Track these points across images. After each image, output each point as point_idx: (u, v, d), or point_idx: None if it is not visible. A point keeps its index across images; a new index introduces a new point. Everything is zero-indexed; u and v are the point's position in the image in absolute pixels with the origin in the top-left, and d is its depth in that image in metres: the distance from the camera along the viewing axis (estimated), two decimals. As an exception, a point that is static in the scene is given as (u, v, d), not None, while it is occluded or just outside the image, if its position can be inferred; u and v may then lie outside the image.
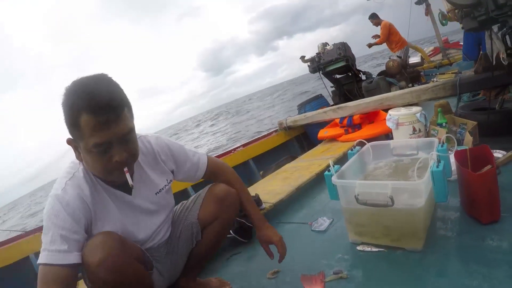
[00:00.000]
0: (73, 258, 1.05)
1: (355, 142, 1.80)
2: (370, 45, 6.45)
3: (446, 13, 2.40)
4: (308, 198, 2.32)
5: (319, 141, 3.77)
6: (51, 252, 1.04)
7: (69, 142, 1.09)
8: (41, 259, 1.05)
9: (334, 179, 1.45)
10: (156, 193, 1.30)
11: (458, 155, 1.54)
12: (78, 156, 1.10)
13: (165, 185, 1.33)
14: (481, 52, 2.83)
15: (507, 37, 2.30)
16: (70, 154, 1.15)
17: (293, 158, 3.56)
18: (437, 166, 1.30)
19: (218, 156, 3.76)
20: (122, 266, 1.11)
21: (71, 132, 1.04)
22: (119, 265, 1.10)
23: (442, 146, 1.47)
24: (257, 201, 2.08)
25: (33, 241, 2.67)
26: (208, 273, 1.69)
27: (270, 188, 2.49)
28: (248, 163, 3.87)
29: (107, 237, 1.11)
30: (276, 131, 4.35)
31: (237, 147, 3.98)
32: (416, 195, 1.30)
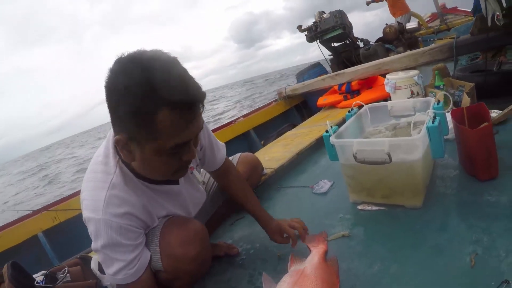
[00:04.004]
0: (144, 263, 1.05)
1: (353, 104, 1.82)
2: (368, 2, 6.36)
3: None
4: (309, 163, 2.35)
5: (319, 109, 3.80)
6: (122, 279, 1.02)
7: (120, 141, 0.88)
8: (115, 282, 1.04)
9: (332, 139, 1.47)
10: (191, 173, 1.25)
11: (455, 113, 1.56)
12: (128, 157, 0.92)
13: (197, 165, 1.31)
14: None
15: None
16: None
17: (294, 126, 3.60)
18: (433, 122, 1.32)
19: (219, 128, 3.79)
20: (209, 259, 1.23)
21: (130, 128, 0.85)
22: (208, 258, 1.21)
23: (438, 104, 1.50)
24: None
25: (41, 220, 2.75)
26: (212, 238, 1.70)
27: (271, 155, 2.53)
28: (249, 133, 3.91)
29: (200, 230, 1.15)
30: (275, 100, 4.37)
31: (237, 118, 4.01)
32: (413, 150, 1.32)
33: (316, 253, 1.20)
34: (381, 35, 4.70)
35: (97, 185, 1.00)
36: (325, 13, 4.94)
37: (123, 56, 0.84)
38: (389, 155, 1.29)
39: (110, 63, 0.85)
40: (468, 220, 1.20)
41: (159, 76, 0.79)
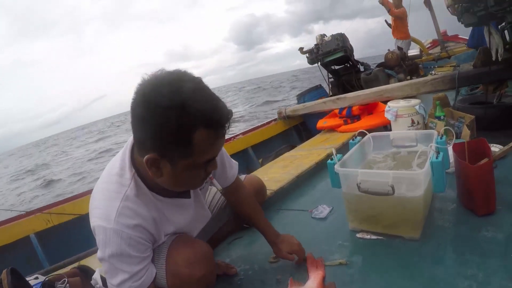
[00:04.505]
0: (150, 277, 1.05)
1: (356, 133, 1.83)
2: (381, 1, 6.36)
3: (447, 8, 2.41)
4: (308, 186, 2.35)
5: (318, 131, 3.80)
6: None
7: (151, 160, 0.90)
8: None
9: (337, 167, 1.47)
10: (200, 189, 1.26)
11: (456, 147, 1.57)
12: (156, 173, 0.94)
13: (206, 182, 1.28)
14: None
15: (506, 32, 2.34)
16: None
17: (292, 147, 3.60)
18: (436, 157, 1.33)
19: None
20: (214, 280, 1.22)
21: (166, 148, 0.88)
22: (213, 280, 1.20)
23: (441, 138, 1.51)
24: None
25: (34, 221, 2.75)
26: None
27: (270, 176, 2.53)
28: (247, 151, 3.93)
29: (207, 251, 1.16)
30: (275, 120, 4.40)
31: (236, 135, 4.03)
32: (416, 185, 1.33)
33: (314, 279, 1.22)
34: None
35: (111, 196, 1.01)
36: (326, 36, 5.01)
37: (149, 78, 0.88)
38: (392, 187, 1.30)
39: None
40: (465, 255, 1.22)
41: (192, 97, 0.85)
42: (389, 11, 6.32)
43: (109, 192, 1.02)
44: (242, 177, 1.59)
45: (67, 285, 1.24)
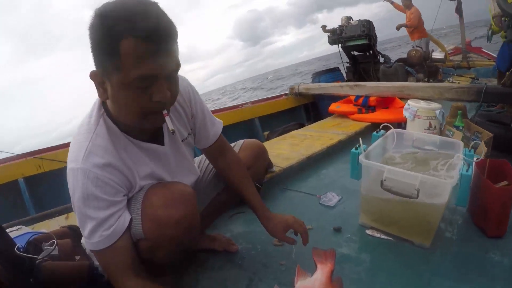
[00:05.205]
0: (122, 225, 0.96)
1: (381, 125, 1.77)
2: (399, 27, 6.38)
3: (491, 18, 2.35)
4: (317, 170, 2.31)
5: (327, 114, 3.74)
6: (97, 243, 0.94)
7: (93, 76, 0.89)
8: (90, 247, 0.96)
9: (361, 158, 1.43)
10: (182, 140, 1.18)
11: (479, 164, 1.53)
12: (103, 94, 0.91)
13: (188, 134, 1.21)
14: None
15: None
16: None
17: (301, 125, 3.56)
18: (467, 170, 1.31)
19: (225, 109, 3.72)
20: (196, 225, 1.10)
21: (101, 61, 0.85)
22: (195, 225, 1.08)
23: (470, 151, 1.48)
24: (268, 163, 2.02)
25: (24, 165, 2.66)
26: (209, 230, 1.62)
27: (277, 152, 2.49)
28: (253, 121, 3.86)
29: (186, 191, 1.05)
30: (286, 94, 4.32)
31: (245, 103, 3.96)
32: (441, 193, 1.30)
33: (323, 271, 1.16)
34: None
35: (80, 138, 0.95)
36: (352, 20, 4.90)
37: None
38: (418, 191, 1.27)
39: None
40: (471, 274, 1.21)
41: (125, 8, 0.80)
42: (412, 26, 6.27)
43: (79, 136, 0.96)
44: (241, 142, 1.49)
45: (56, 247, 1.09)
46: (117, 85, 0.84)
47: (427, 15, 6.59)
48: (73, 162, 0.92)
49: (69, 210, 1.94)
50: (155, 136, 1.07)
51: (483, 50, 6.47)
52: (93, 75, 0.88)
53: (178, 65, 0.89)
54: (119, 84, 0.84)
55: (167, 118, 0.93)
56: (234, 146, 1.44)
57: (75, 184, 0.91)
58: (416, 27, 6.23)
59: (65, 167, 0.96)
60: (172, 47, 0.85)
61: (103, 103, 0.98)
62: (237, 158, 1.35)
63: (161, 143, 1.09)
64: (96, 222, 0.92)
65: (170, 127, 0.93)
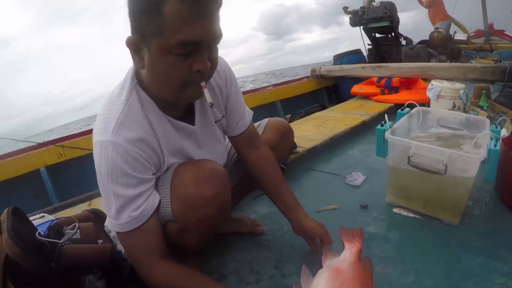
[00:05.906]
0: (152, 205, 0.91)
1: (406, 103, 1.79)
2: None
3: None
4: (342, 150, 2.32)
5: (349, 96, 3.75)
6: (124, 224, 0.88)
7: (130, 42, 0.83)
8: (116, 229, 0.90)
9: (387, 134, 1.42)
10: (216, 122, 1.12)
11: (506, 140, 1.52)
12: (139, 62, 0.85)
13: (223, 116, 1.15)
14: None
15: None
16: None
17: (323, 107, 3.59)
18: (495, 145, 1.31)
19: (246, 92, 3.72)
20: (228, 205, 1.05)
21: (140, 26, 0.79)
22: (227, 204, 1.03)
23: (496, 127, 1.48)
24: (292, 144, 1.97)
25: (46, 154, 2.68)
26: (234, 212, 1.57)
27: (301, 133, 2.52)
28: (275, 104, 3.88)
29: (218, 168, 0.98)
30: (307, 77, 4.32)
31: (267, 86, 3.99)
32: (469, 167, 1.28)
33: (351, 250, 1.13)
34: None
35: (110, 109, 0.89)
36: (374, 1, 4.85)
37: None
38: (446, 166, 1.26)
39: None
40: (501, 251, 1.19)
41: None
42: (426, 6, 6.15)
43: (109, 106, 0.90)
44: (265, 120, 1.43)
45: (78, 231, 1.03)
46: (156, 51, 0.79)
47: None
48: (102, 134, 0.85)
49: (91, 197, 1.92)
50: (186, 114, 1.02)
51: (505, 33, 6.35)
52: (129, 42, 0.83)
53: (220, 34, 0.84)
54: (159, 49, 0.79)
55: (205, 91, 0.87)
56: (258, 125, 1.39)
57: (102, 158, 0.85)
58: (437, 12, 6.11)
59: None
60: (216, 14, 0.80)
61: (136, 74, 0.93)
62: (270, 156, 1.26)
63: (192, 123, 1.03)
64: (124, 200, 0.87)
65: (209, 99, 0.88)
